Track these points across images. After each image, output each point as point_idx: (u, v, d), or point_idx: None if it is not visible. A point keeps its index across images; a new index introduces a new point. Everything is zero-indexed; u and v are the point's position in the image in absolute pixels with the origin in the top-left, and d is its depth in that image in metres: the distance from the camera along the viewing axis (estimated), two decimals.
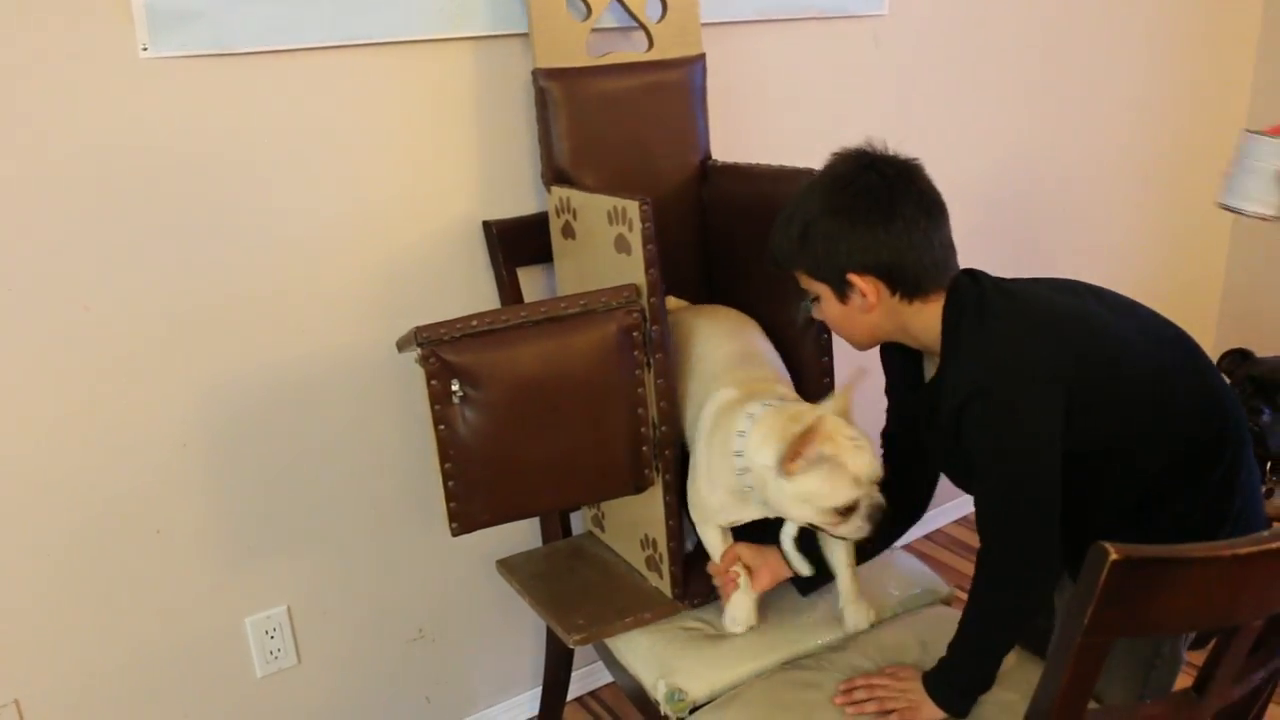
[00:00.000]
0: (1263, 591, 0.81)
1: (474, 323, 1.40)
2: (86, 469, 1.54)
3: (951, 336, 1.31)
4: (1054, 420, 1.22)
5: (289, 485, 1.72)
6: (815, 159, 1.47)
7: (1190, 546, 0.75)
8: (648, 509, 1.61)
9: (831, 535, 1.43)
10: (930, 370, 1.41)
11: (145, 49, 1.44)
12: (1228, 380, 2.07)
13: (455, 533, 1.46)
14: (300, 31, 1.54)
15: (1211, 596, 0.78)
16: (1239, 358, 2.14)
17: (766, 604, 1.61)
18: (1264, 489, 2.10)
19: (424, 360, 1.38)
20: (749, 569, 1.55)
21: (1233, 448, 1.33)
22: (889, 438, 1.58)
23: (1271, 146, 1.63)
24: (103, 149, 1.45)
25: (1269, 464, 2.10)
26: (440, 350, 1.39)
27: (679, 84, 1.79)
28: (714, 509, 1.55)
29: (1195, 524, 1.32)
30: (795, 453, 1.34)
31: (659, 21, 1.80)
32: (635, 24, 1.79)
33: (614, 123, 1.71)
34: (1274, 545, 0.77)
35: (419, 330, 1.37)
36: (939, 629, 1.58)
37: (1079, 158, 2.74)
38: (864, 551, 1.55)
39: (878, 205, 1.28)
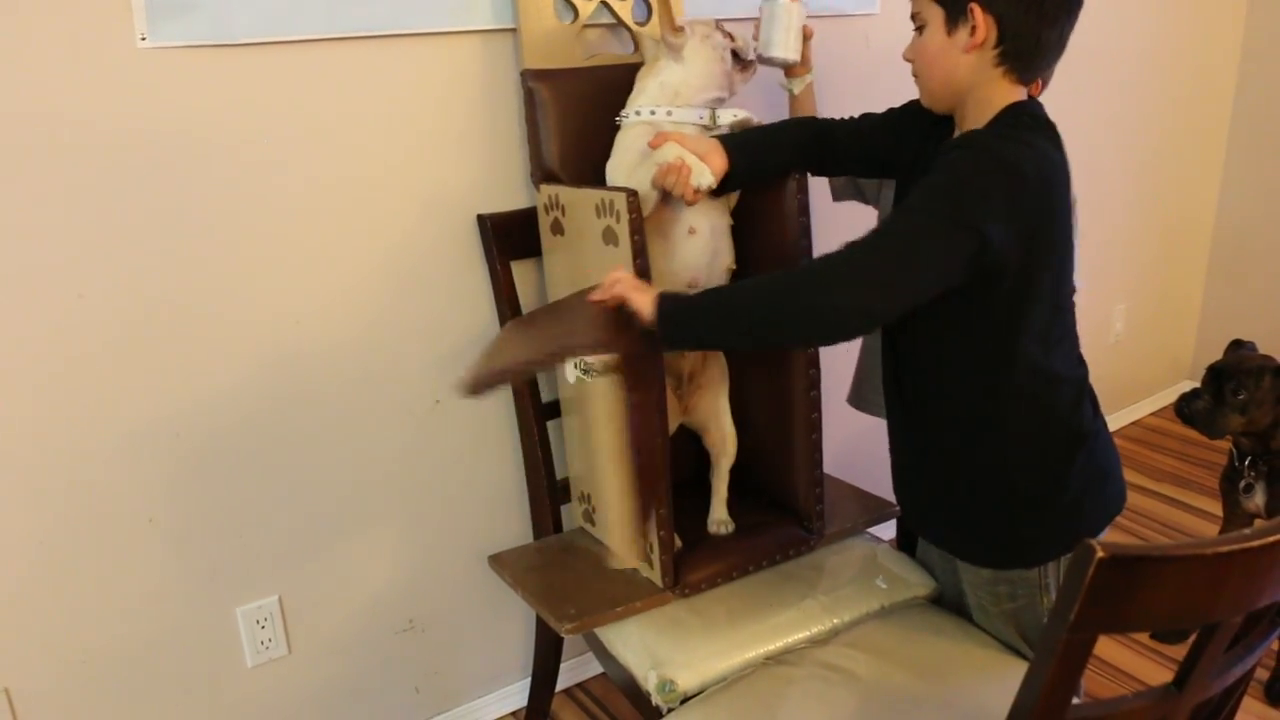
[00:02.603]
0: (1243, 588, 0.83)
1: None
2: (79, 456, 1.54)
3: (1002, 116, 1.34)
4: (996, 219, 1.24)
5: (282, 475, 1.72)
6: None
7: (1175, 545, 0.77)
8: None
9: (745, 57, 1.66)
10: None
11: (144, 39, 1.44)
12: None
13: None
14: (299, 23, 1.55)
15: (1194, 593, 0.80)
16: (1233, 346, 2.15)
17: (755, 597, 1.63)
18: (1241, 484, 2.13)
19: None
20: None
21: None
22: (838, 126, 1.62)
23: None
24: (100, 138, 1.45)
25: (1247, 460, 2.12)
26: None
27: None
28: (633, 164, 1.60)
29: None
30: (670, 24, 1.60)
31: (644, 24, 1.83)
32: (622, 26, 1.81)
33: (601, 123, 1.73)
34: (1255, 543, 0.79)
35: None
36: (924, 624, 1.61)
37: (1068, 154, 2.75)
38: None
39: None
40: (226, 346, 1.63)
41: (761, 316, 1.29)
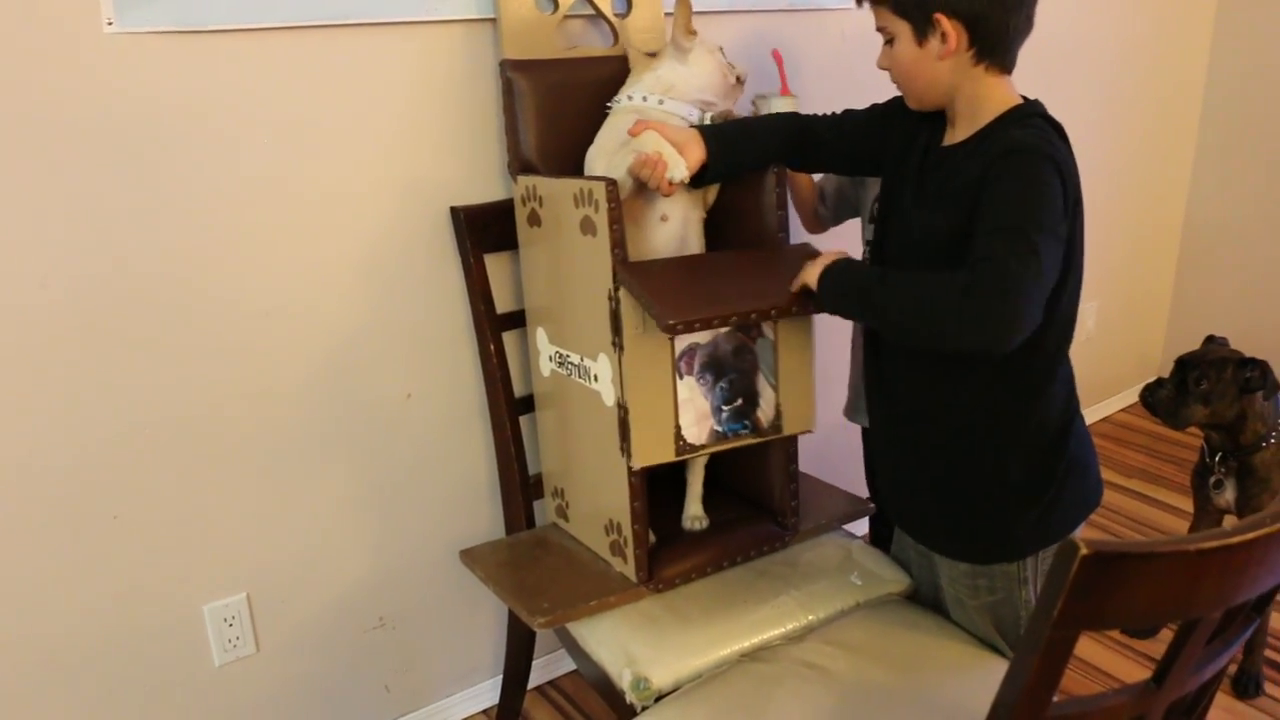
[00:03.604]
0: (1222, 584, 0.83)
1: None
2: (42, 451, 1.51)
3: (1012, 115, 1.35)
4: (1064, 217, 1.28)
5: (250, 471, 1.70)
6: None
7: (1156, 541, 0.77)
8: (612, 493, 1.62)
9: (739, 78, 1.69)
10: (952, 138, 1.42)
11: (110, 24, 1.41)
12: None
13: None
14: (272, 10, 1.52)
15: (1175, 589, 0.80)
16: (1207, 343, 2.15)
17: (730, 594, 1.63)
18: (1212, 480, 2.14)
19: None
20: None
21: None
22: (820, 122, 1.63)
23: (782, 103, 1.83)
24: (65, 125, 1.42)
25: (1217, 455, 2.13)
26: None
27: None
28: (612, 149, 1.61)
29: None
30: (689, 23, 1.62)
31: (624, 16, 1.81)
32: (602, 19, 1.80)
33: (580, 115, 1.71)
34: (1234, 540, 0.79)
35: None
36: (900, 620, 1.61)
37: None
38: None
39: None
40: (194, 339, 1.59)
41: (914, 326, 1.32)
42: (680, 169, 1.50)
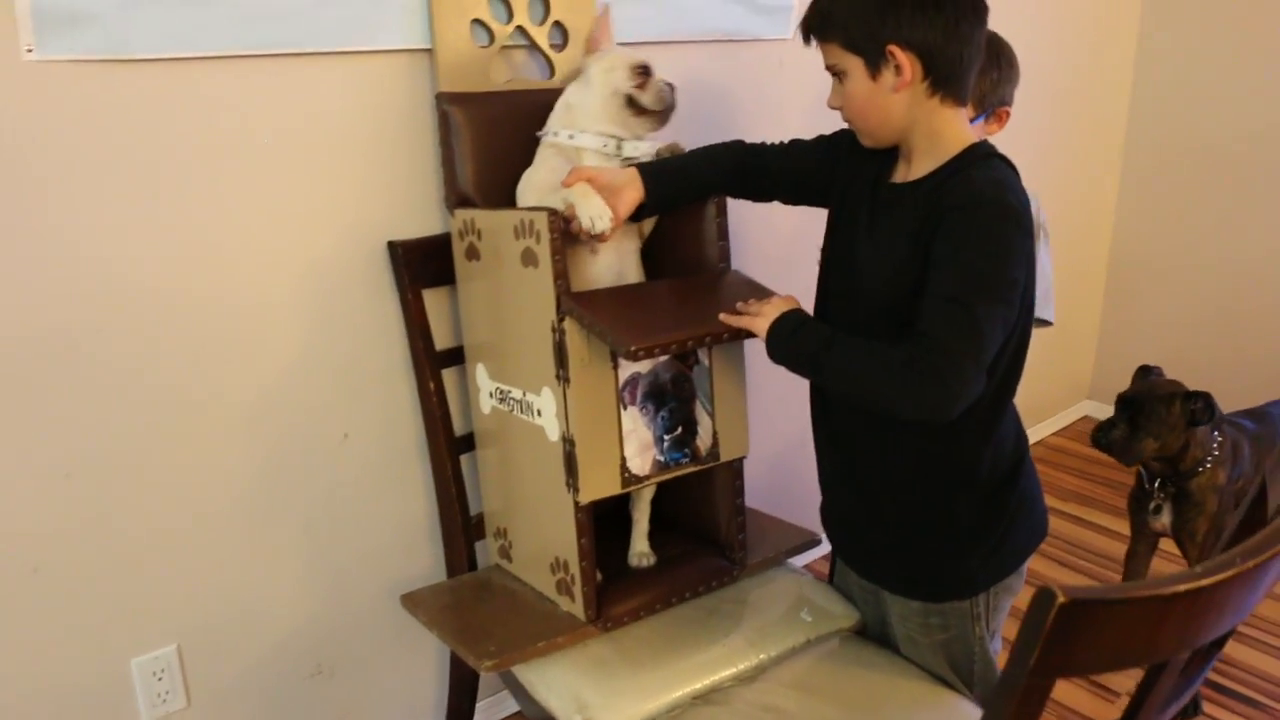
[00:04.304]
0: (1192, 625, 0.82)
1: None
2: None
3: (970, 155, 1.33)
4: (1019, 265, 1.28)
5: (181, 517, 1.62)
6: None
7: (1131, 586, 0.76)
8: (558, 530, 1.58)
9: (644, 105, 1.61)
10: (906, 174, 1.41)
11: (30, 50, 1.35)
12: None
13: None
14: (202, 38, 1.47)
15: (1148, 631, 0.78)
16: (1141, 373, 2.18)
17: (680, 634, 1.60)
18: (1151, 505, 2.17)
19: None
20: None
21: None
22: (770, 151, 1.62)
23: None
24: None
25: (1156, 481, 2.15)
26: None
27: None
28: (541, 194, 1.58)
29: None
30: (591, 41, 1.64)
31: (561, 49, 1.79)
32: (537, 50, 1.78)
33: (518, 148, 1.69)
34: (1205, 581, 0.78)
35: None
36: (852, 658, 1.59)
37: None
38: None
39: None
40: (120, 380, 1.53)
41: (857, 394, 1.34)
42: (603, 222, 1.48)
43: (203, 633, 1.69)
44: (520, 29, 1.74)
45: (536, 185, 1.62)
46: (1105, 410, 3.57)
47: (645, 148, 1.63)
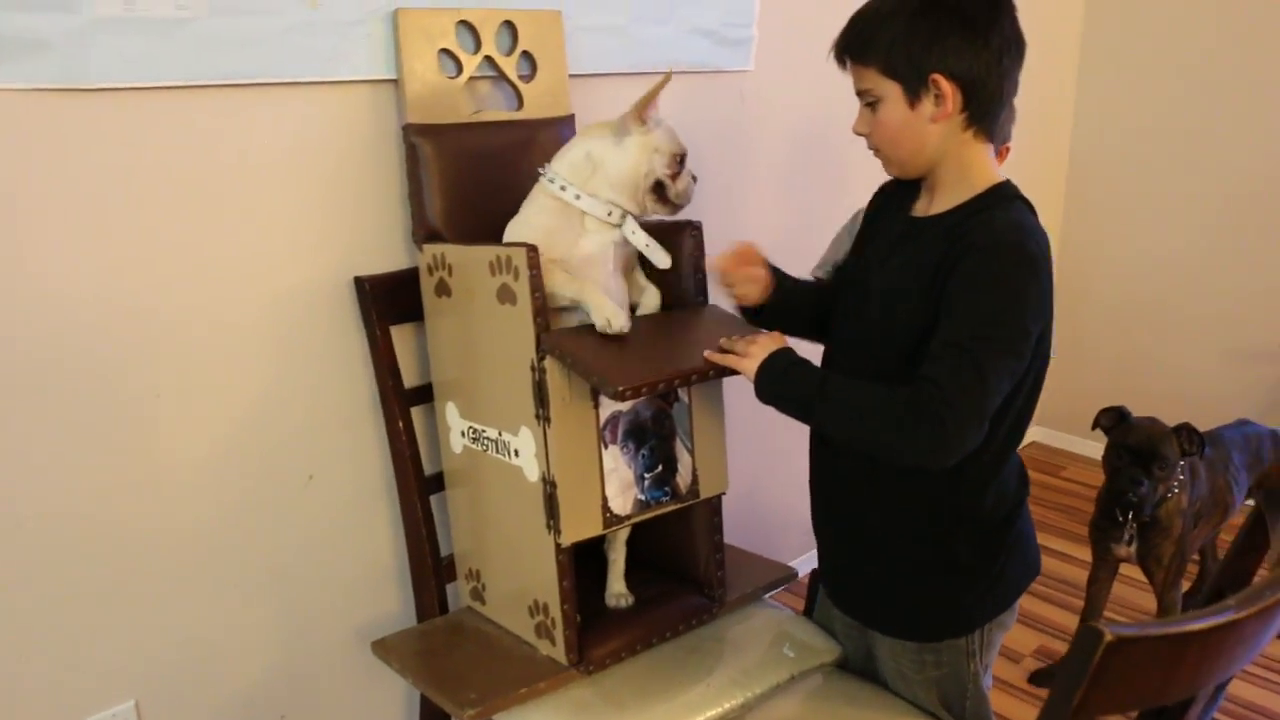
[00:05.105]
0: (1223, 659, 0.81)
1: None
2: None
3: (995, 195, 1.32)
4: (1035, 314, 1.26)
5: (137, 566, 1.55)
6: (685, 211, 1.54)
7: (1169, 622, 0.75)
8: (537, 572, 1.54)
9: (668, 197, 1.56)
10: (928, 207, 1.39)
11: None
12: (1106, 437, 2.16)
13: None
14: (162, 68, 1.42)
15: (1187, 667, 0.77)
16: (1116, 416, 2.18)
17: (663, 674, 1.56)
18: (1125, 536, 2.19)
19: None
20: None
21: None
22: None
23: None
24: None
25: (1129, 512, 2.17)
26: None
27: (550, 143, 1.73)
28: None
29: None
30: (645, 105, 1.53)
31: (528, 82, 1.77)
32: (506, 81, 1.75)
33: (486, 181, 1.66)
34: (1238, 615, 0.77)
35: None
36: (837, 694, 1.57)
37: None
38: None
39: (982, 15, 1.28)
40: (72, 424, 1.46)
41: (853, 439, 1.33)
42: (620, 320, 1.46)
43: (162, 686, 1.62)
44: (488, 59, 1.71)
45: (532, 224, 1.56)
46: (1054, 435, 3.62)
47: (631, 233, 1.56)
